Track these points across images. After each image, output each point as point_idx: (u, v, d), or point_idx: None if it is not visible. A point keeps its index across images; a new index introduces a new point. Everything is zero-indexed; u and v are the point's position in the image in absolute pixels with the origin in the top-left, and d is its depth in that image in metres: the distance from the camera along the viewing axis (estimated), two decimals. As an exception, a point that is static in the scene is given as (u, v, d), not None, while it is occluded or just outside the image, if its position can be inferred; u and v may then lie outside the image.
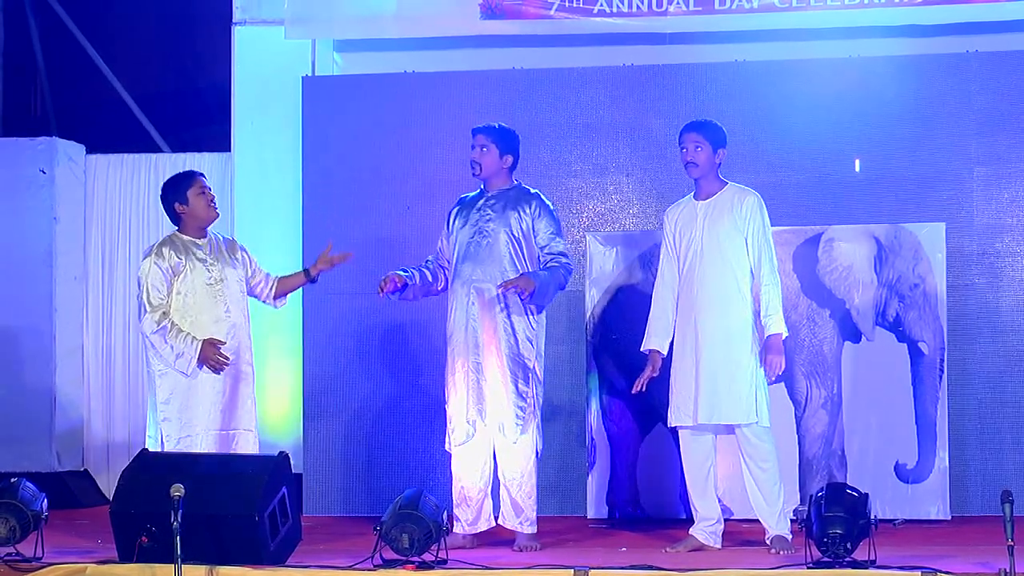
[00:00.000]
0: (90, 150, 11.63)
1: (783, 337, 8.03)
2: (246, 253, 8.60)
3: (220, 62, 11.32)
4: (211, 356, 8.18)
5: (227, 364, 8.23)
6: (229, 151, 11.09)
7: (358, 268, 10.07)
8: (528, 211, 8.36)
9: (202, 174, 8.58)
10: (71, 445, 11.34)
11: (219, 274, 8.38)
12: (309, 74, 10.77)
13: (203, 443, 8.20)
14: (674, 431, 8.60)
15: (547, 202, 8.46)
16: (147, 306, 8.23)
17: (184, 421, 8.22)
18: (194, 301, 8.30)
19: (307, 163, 10.54)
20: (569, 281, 8.48)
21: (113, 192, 11.58)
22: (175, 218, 8.45)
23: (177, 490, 6.72)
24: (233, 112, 11.08)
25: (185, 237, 8.41)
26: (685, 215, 8.22)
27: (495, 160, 8.42)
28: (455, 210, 8.54)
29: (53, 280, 11.26)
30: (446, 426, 8.42)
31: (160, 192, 8.57)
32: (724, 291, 8.05)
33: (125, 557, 7.33)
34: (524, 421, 8.25)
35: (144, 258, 8.38)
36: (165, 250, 8.31)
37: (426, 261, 8.58)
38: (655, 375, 8.26)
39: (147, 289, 8.26)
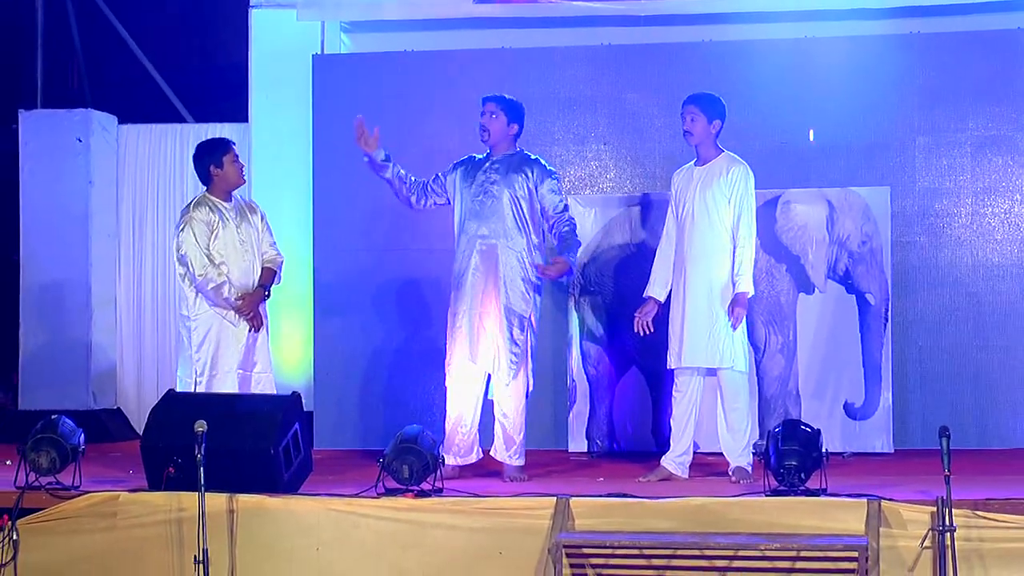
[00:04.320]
0: (122, 120, 11.60)
1: (749, 296, 8.02)
2: (265, 222, 8.60)
3: (238, 41, 11.26)
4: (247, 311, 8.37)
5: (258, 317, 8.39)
6: (247, 121, 11.05)
7: (364, 228, 10.12)
8: (532, 175, 8.34)
9: (234, 142, 8.61)
10: (105, 386, 11.34)
11: (245, 233, 8.42)
12: (319, 53, 10.73)
13: (230, 381, 8.28)
14: (647, 372, 8.61)
15: (547, 166, 8.46)
16: (201, 261, 8.26)
17: (214, 361, 8.30)
18: (226, 255, 8.35)
19: (317, 133, 10.51)
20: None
21: (142, 158, 11.56)
22: (207, 178, 8.46)
23: (200, 426, 6.72)
24: (250, 86, 11.03)
25: (213, 198, 8.43)
26: (684, 179, 8.24)
27: (503, 127, 8.39)
28: (462, 168, 8.47)
29: (89, 238, 11.24)
30: (444, 365, 8.43)
31: (195, 152, 8.60)
32: (710, 248, 8.05)
33: (154, 486, 7.35)
34: (517, 365, 8.27)
35: (182, 219, 8.40)
36: (202, 210, 8.35)
37: (420, 179, 8.53)
38: (645, 319, 8.23)
39: (192, 244, 8.28)
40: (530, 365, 8.35)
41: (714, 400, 8.16)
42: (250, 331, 8.35)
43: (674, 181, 8.33)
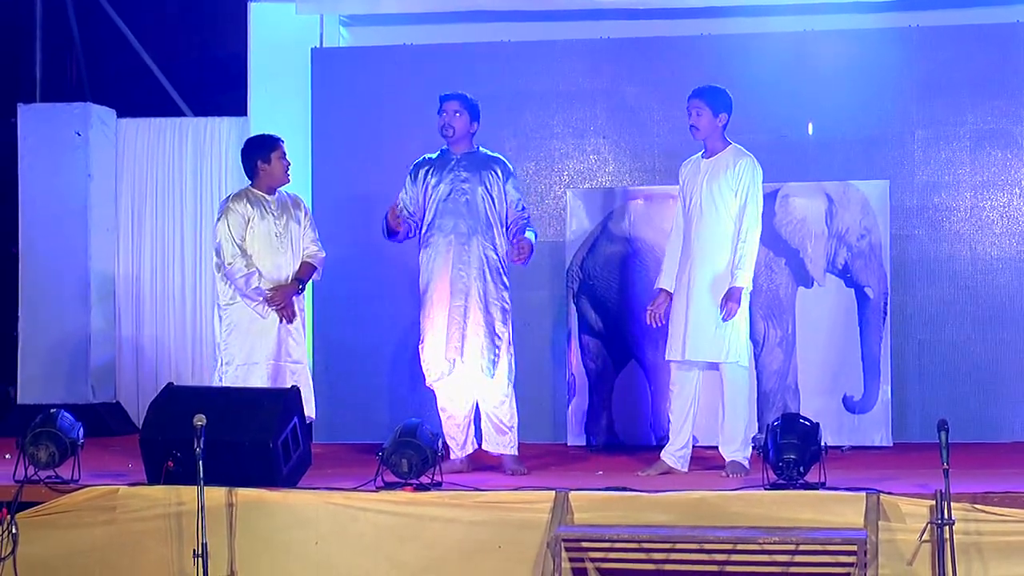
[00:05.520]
0: (120, 114, 11.59)
1: (745, 291, 7.99)
2: (309, 218, 8.72)
3: (237, 35, 11.25)
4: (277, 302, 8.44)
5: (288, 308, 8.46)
6: (245, 115, 11.04)
7: (362, 219, 10.09)
8: (499, 173, 8.41)
9: (283, 140, 8.67)
10: (104, 379, 11.33)
11: (284, 227, 8.52)
12: (318, 46, 10.72)
13: (258, 372, 8.36)
14: (646, 366, 8.58)
15: (509, 165, 8.53)
16: (232, 251, 8.36)
17: (241, 351, 8.39)
18: (260, 247, 8.43)
19: (316, 126, 10.51)
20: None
21: (141, 152, 11.54)
22: (253, 173, 8.57)
23: (200, 420, 6.73)
24: (249, 80, 11.02)
25: (257, 192, 8.54)
26: (691, 170, 8.18)
27: (466, 125, 8.43)
28: (425, 169, 8.49)
29: (88, 232, 11.23)
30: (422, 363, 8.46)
31: (244, 146, 8.74)
32: (716, 241, 7.98)
33: (153, 480, 7.35)
34: (499, 357, 8.29)
35: (220, 209, 8.54)
36: (240, 203, 8.47)
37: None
38: (658, 311, 8.20)
39: (226, 234, 8.39)
40: (512, 355, 8.38)
41: (714, 394, 8.13)
42: (281, 322, 8.39)
43: (682, 172, 8.28)
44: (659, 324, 8.22)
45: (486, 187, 8.35)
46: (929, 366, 9.79)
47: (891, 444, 9.30)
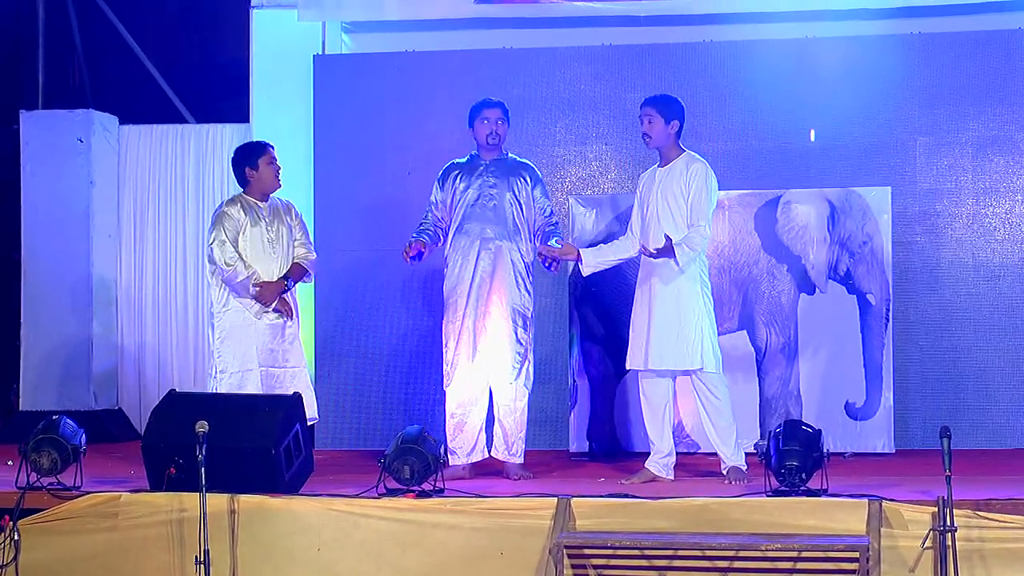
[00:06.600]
0: (123, 121, 11.61)
1: (663, 250, 7.79)
2: (300, 221, 8.69)
3: (239, 42, 11.27)
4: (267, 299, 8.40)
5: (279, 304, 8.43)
6: (247, 122, 11.05)
7: (364, 227, 10.13)
8: (528, 179, 8.45)
9: (272, 146, 8.66)
10: (106, 386, 11.34)
11: (275, 233, 8.50)
12: (320, 53, 10.74)
13: (252, 378, 8.34)
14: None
15: (538, 172, 8.57)
16: (226, 257, 8.34)
17: (235, 358, 8.36)
18: (252, 253, 8.41)
19: (318, 133, 10.53)
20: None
21: (143, 159, 11.56)
22: (243, 181, 8.57)
23: (202, 426, 6.72)
24: (251, 87, 11.04)
25: (250, 199, 8.54)
26: (648, 180, 8.18)
27: (506, 132, 8.49)
28: (454, 173, 8.52)
29: (90, 238, 11.25)
30: (443, 367, 8.45)
31: (232, 156, 8.72)
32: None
33: (155, 486, 7.35)
34: (520, 364, 8.32)
35: (215, 214, 8.53)
36: (234, 208, 8.47)
37: (423, 223, 8.55)
38: (557, 255, 8.16)
39: (220, 239, 8.38)
40: (531, 362, 8.39)
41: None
42: (284, 321, 8.40)
43: (640, 182, 8.28)
44: (543, 258, 8.19)
45: (514, 193, 8.38)
46: (931, 373, 9.79)
47: (893, 450, 9.30)
